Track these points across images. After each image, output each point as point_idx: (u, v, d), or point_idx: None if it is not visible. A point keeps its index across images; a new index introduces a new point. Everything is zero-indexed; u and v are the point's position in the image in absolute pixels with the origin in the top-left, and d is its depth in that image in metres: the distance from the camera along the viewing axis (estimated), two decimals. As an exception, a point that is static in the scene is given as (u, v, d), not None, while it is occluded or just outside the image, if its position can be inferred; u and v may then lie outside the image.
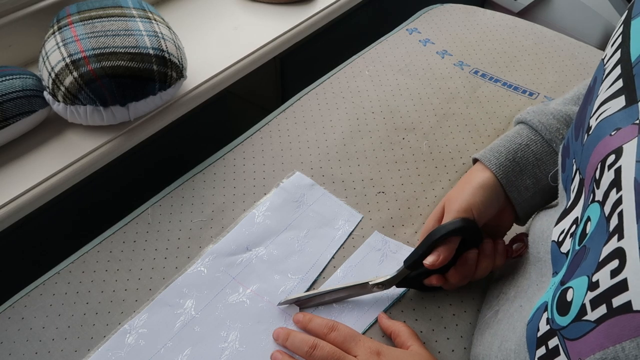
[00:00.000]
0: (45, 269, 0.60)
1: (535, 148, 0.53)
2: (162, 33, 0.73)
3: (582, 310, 0.31)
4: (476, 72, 0.85)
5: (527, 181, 0.53)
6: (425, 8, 1.02)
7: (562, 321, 0.33)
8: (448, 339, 0.53)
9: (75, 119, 0.70)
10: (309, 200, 0.66)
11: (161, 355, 0.52)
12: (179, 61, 0.73)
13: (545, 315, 0.36)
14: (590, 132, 0.38)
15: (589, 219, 0.36)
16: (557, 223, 0.44)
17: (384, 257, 0.60)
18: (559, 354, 0.33)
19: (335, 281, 0.58)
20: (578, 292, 0.32)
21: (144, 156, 0.80)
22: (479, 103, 0.80)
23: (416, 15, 1.00)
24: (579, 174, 0.41)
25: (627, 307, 0.28)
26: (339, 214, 0.64)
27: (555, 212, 0.48)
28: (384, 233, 0.63)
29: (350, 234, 0.63)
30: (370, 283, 0.55)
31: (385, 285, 0.55)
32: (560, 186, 0.48)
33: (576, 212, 0.40)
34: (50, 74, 0.68)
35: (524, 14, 1.49)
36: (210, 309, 0.56)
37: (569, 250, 0.39)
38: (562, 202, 0.46)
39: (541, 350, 0.35)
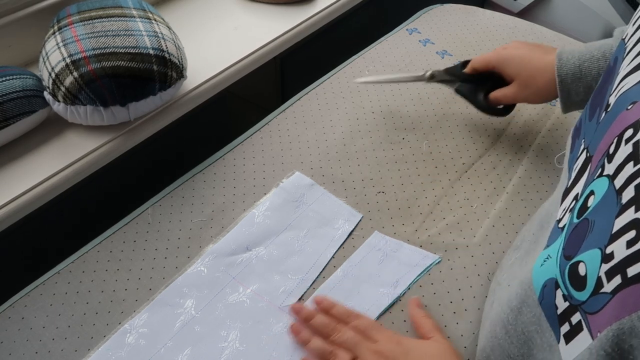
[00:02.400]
0: (45, 269, 0.60)
1: (603, 64, 0.59)
2: (162, 33, 0.73)
3: (599, 283, 0.31)
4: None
5: (580, 88, 0.60)
6: (425, 8, 1.02)
7: (581, 296, 0.33)
8: (449, 337, 0.53)
9: (75, 119, 0.70)
10: (308, 200, 0.66)
11: (161, 355, 0.52)
12: (179, 61, 0.73)
13: (559, 292, 0.36)
14: (608, 110, 0.38)
15: (592, 192, 0.36)
16: (561, 203, 0.44)
17: (385, 257, 0.60)
18: (582, 329, 0.33)
19: (335, 281, 0.58)
20: (591, 266, 0.33)
21: (144, 156, 0.80)
22: (479, 103, 0.80)
23: (416, 15, 1.00)
24: (587, 152, 0.41)
25: None
26: (338, 213, 0.64)
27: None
28: (384, 233, 0.63)
29: (350, 233, 0.63)
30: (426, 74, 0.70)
31: (439, 76, 0.71)
32: (565, 167, 0.48)
33: (577, 189, 0.41)
34: (50, 74, 0.68)
35: (524, 14, 1.49)
36: (210, 308, 0.56)
37: (565, 225, 0.39)
38: (563, 183, 0.47)
39: (565, 327, 0.36)
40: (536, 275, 0.40)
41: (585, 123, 0.45)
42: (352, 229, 0.63)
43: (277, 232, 0.62)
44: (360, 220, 0.64)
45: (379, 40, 0.93)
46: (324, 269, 0.59)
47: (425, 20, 0.98)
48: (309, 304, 0.56)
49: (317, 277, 0.58)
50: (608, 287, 0.31)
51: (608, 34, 1.38)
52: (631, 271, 0.29)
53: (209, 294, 0.57)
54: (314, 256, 0.60)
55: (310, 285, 0.58)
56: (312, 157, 0.72)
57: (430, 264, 0.59)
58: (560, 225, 0.41)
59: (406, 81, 0.78)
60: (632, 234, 0.30)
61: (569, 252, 0.36)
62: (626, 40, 0.42)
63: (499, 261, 0.60)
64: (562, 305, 0.36)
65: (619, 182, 0.33)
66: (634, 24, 0.41)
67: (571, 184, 0.43)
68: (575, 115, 0.75)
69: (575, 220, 0.37)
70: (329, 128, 0.76)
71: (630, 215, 0.31)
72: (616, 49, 0.45)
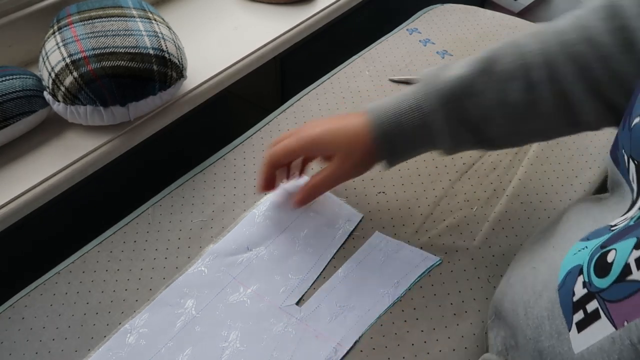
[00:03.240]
0: (45, 269, 0.60)
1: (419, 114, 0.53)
2: (162, 33, 0.73)
3: (626, 270, 0.31)
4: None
5: (400, 138, 0.54)
6: (425, 8, 1.02)
7: (601, 283, 0.33)
8: (449, 338, 0.53)
9: (75, 119, 0.70)
10: None
11: (162, 355, 0.52)
12: (179, 61, 0.73)
13: (580, 279, 0.35)
14: None
15: None
16: (627, 212, 0.42)
17: (386, 257, 0.60)
18: (599, 317, 0.33)
19: (336, 281, 0.58)
20: (621, 253, 0.32)
21: (144, 156, 0.80)
22: (479, 103, 0.80)
23: (416, 15, 1.00)
24: (632, 161, 0.40)
25: None
26: (339, 213, 0.64)
27: (596, 204, 0.48)
28: (384, 233, 0.63)
29: (351, 233, 0.62)
30: None
31: None
32: (619, 178, 0.47)
33: None
34: (50, 74, 0.68)
35: (524, 14, 1.49)
36: (210, 308, 0.56)
37: (617, 228, 0.38)
38: (623, 195, 0.45)
39: (579, 315, 0.35)
40: (565, 263, 0.39)
41: (620, 134, 0.43)
42: (352, 229, 0.63)
43: (277, 232, 0.62)
44: (360, 220, 0.64)
45: (379, 40, 0.93)
46: (324, 269, 0.59)
47: (425, 20, 0.98)
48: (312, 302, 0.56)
49: (318, 277, 0.58)
50: (638, 275, 0.29)
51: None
52: None
53: (209, 294, 0.57)
54: (315, 256, 0.60)
55: (311, 285, 0.58)
56: (312, 157, 0.72)
57: (431, 265, 0.59)
58: (613, 228, 0.40)
59: None
60: None
61: (607, 244, 0.35)
62: None
63: (499, 264, 0.60)
64: (580, 292, 0.35)
65: None
66: None
67: (636, 195, 0.41)
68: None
69: (631, 224, 0.36)
70: (329, 128, 0.76)
71: None
72: None
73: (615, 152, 0.46)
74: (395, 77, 0.83)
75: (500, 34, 0.94)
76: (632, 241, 0.31)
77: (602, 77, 0.47)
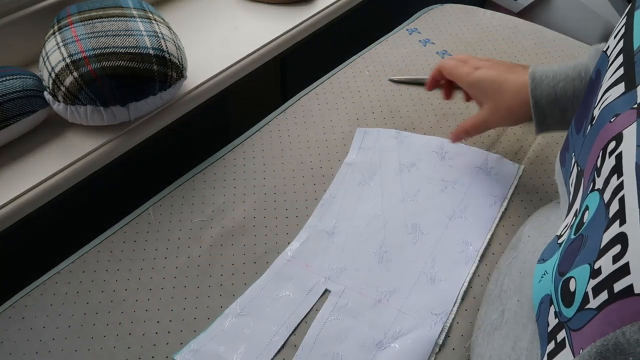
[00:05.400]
0: (46, 269, 0.60)
1: (579, 84, 0.56)
2: (162, 33, 0.73)
3: (585, 299, 0.31)
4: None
5: (555, 110, 0.57)
6: (425, 8, 1.02)
7: (568, 312, 0.33)
8: (449, 337, 0.53)
9: (75, 119, 0.70)
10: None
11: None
12: (179, 61, 0.73)
13: (552, 309, 0.36)
14: (593, 123, 0.38)
15: (587, 208, 0.35)
16: (564, 218, 0.44)
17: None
18: (565, 346, 0.33)
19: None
20: (580, 281, 0.32)
21: (144, 156, 0.80)
22: (479, 103, 0.80)
23: (416, 15, 1.00)
24: (577, 166, 0.41)
25: (628, 291, 0.27)
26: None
27: (549, 209, 0.48)
28: (384, 233, 0.63)
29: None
30: None
31: None
32: (560, 181, 0.48)
33: (576, 205, 0.40)
34: (50, 74, 0.68)
35: (524, 14, 1.49)
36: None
37: (563, 241, 0.39)
38: (564, 197, 0.46)
39: (551, 345, 0.35)
40: (535, 292, 0.40)
41: (573, 136, 0.44)
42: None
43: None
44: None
45: (379, 40, 0.93)
46: None
47: (425, 21, 0.98)
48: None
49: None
50: (594, 303, 0.30)
51: (608, 34, 1.38)
52: (618, 286, 0.28)
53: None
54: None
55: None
56: (312, 157, 0.72)
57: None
58: (560, 241, 0.41)
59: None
60: (617, 248, 0.29)
61: (563, 269, 0.36)
62: (608, 52, 0.41)
63: (497, 263, 0.60)
64: (552, 322, 0.36)
65: (606, 195, 0.32)
66: (615, 37, 0.41)
67: (572, 199, 0.42)
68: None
69: (572, 237, 0.36)
70: (329, 128, 0.76)
71: (615, 229, 0.30)
72: (598, 61, 0.44)
73: (564, 153, 0.46)
74: (395, 77, 0.83)
75: (500, 34, 0.94)
76: (586, 269, 0.32)
77: None
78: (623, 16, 0.41)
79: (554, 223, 0.50)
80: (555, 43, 0.91)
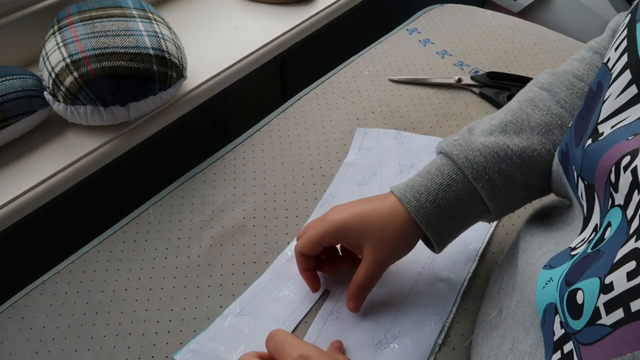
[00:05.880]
0: (45, 269, 0.60)
1: (456, 188, 0.49)
2: (162, 33, 0.73)
3: (596, 314, 0.30)
4: (476, 72, 0.85)
5: (449, 222, 0.50)
6: (425, 8, 1.02)
7: (576, 325, 0.33)
8: (449, 336, 0.53)
9: (75, 119, 0.70)
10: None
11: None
12: (179, 61, 0.73)
13: (557, 319, 0.36)
14: (600, 138, 0.37)
15: (609, 224, 0.35)
16: (581, 232, 0.42)
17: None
18: (572, 359, 0.33)
19: None
20: (589, 295, 0.32)
21: (144, 156, 0.80)
22: (479, 103, 0.80)
23: (416, 15, 1.00)
24: (582, 180, 0.40)
25: None
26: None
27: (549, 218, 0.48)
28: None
29: None
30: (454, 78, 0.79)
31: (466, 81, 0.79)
32: (570, 193, 0.47)
33: (595, 219, 0.39)
34: (50, 74, 0.68)
35: (524, 14, 1.49)
36: None
37: (577, 253, 0.38)
38: (576, 208, 0.45)
39: (557, 355, 0.35)
40: (539, 298, 0.39)
41: (572, 148, 0.43)
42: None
43: None
44: None
45: (379, 40, 0.93)
46: None
47: (425, 20, 0.98)
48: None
49: None
50: (607, 320, 0.29)
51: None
52: (635, 305, 0.27)
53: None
54: None
55: None
56: (312, 157, 0.72)
57: None
58: (573, 253, 0.39)
59: (436, 83, 0.83)
60: (632, 264, 0.28)
61: (571, 278, 0.35)
62: (610, 66, 0.40)
63: (498, 262, 0.60)
64: (558, 332, 0.35)
65: (629, 212, 0.32)
66: (616, 49, 0.40)
67: (587, 212, 0.41)
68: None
69: (589, 251, 0.36)
70: (329, 128, 0.76)
71: (631, 244, 0.29)
72: (599, 73, 0.42)
73: (565, 163, 0.45)
74: (395, 77, 0.83)
75: (500, 34, 0.94)
76: (595, 282, 0.31)
77: None
78: (622, 28, 0.40)
79: (555, 221, 0.49)
80: (555, 43, 0.91)
